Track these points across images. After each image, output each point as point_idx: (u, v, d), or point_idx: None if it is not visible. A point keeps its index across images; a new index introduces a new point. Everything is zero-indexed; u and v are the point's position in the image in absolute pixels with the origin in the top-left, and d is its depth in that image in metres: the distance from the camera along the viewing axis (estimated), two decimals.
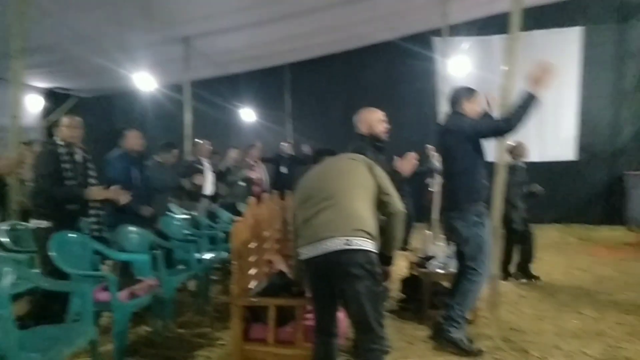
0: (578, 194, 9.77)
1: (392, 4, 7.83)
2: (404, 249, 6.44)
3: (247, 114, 10.49)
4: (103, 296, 2.93)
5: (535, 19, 8.76)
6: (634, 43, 9.63)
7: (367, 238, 2.18)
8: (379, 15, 8.08)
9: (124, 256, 3.65)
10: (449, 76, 8.45)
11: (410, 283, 4.23)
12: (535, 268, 5.34)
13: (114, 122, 10.26)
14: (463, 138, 3.17)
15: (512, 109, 3.09)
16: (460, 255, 3.36)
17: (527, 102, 2.98)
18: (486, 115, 3.41)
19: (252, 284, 2.97)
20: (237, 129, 10.90)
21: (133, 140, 4.24)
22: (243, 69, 10.25)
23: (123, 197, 3.86)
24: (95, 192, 3.49)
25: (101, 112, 10.39)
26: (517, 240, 5.25)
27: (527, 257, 5.31)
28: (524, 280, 5.14)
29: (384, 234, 2.39)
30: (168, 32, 7.05)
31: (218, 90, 10.40)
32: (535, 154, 9.37)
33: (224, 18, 6.87)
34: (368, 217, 2.25)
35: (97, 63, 7.60)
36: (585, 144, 9.74)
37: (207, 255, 4.52)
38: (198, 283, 4.27)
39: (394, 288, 4.49)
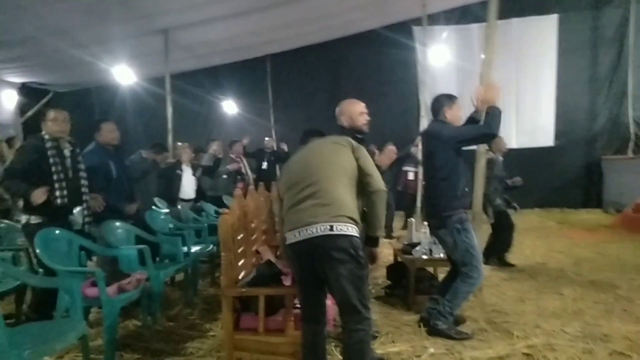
0: (556, 179, 9.99)
1: None
2: (388, 236, 6.52)
3: (229, 106, 10.41)
4: (92, 292, 2.91)
5: (513, 7, 8.88)
6: (608, 30, 9.83)
7: (350, 223, 2.23)
8: (360, 4, 8.09)
9: (110, 251, 3.63)
10: (429, 65, 8.53)
11: (395, 270, 4.30)
12: (516, 252, 5.47)
13: (92, 117, 10.06)
14: (445, 145, 3.23)
15: (485, 120, 3.20)
16: (452, 262, 3.41)
17: (492, 114, 3.16)
18: (469, 120, 3.45)
19: (241, 275, 2.99)
20: (219, 122, 10.82)
21: (108, 133, 4.07)
22: (224, 60, 10.16)
23: (97, 204, 3.74)
24: (38, 194, 3.14)
25: (79, 106, 10.12)
26: (494, 232, 5.34)
27: (504, 246, 5.37)
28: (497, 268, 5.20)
29: (368, 215, 2.44)
30: (146, 24, 6.94)
31: (199, 82, 10.30)
32: (514, 141, 9.63)
33: (203, 9, 6.80)
34: (351, 203, 2.30)
35: (73, 56, 7.44)
36: (562, 130, 9.94)
37: (194, 248, 4.52)
38: (186, 276, 4.28)
39: (380, 274, 4.57)
